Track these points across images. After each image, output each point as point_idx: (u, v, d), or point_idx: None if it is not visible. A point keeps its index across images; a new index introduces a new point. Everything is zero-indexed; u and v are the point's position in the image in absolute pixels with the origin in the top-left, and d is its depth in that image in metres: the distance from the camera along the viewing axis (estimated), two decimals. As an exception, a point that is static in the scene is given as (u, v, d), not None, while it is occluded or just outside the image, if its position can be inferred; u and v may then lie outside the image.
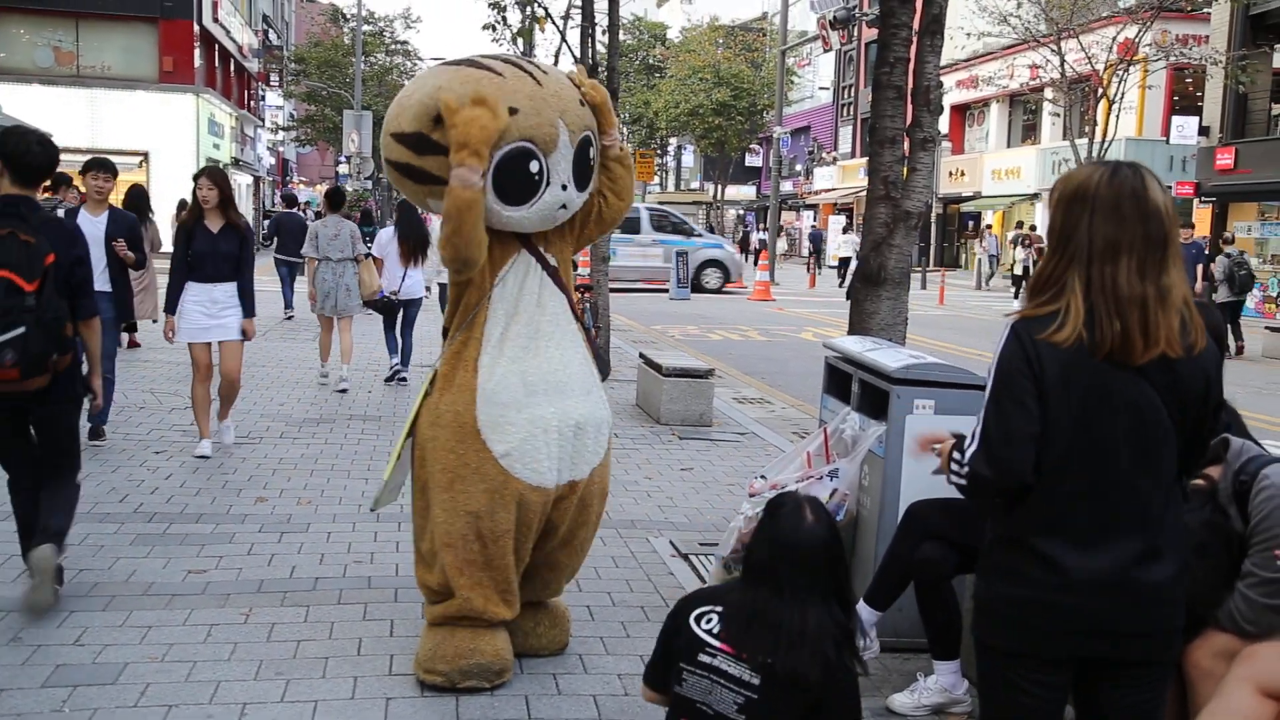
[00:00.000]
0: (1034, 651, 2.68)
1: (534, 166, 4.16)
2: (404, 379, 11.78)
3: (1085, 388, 2.59)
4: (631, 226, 27.65)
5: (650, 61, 53.54)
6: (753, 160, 55.26)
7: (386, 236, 11.83)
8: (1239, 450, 3.38)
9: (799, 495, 3.28)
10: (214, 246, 7.88)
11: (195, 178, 8.01)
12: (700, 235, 30.47)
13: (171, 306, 7.98)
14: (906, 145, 6.31)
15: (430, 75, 4.30)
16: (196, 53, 36.14)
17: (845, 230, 39.10)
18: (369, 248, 12.04)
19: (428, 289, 12.57)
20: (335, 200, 12.22)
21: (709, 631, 3.14)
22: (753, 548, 3.23)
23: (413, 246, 11.58)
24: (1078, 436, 2.60)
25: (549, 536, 4.46)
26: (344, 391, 11.12)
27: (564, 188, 4.26)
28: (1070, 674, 2.72)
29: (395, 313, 11.81)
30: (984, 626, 2.78)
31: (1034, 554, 2.65)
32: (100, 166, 8.42)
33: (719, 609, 3.17)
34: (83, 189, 8.75)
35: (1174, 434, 2.63)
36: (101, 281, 7.68)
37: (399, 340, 11.90)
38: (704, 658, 3.11)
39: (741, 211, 60.76)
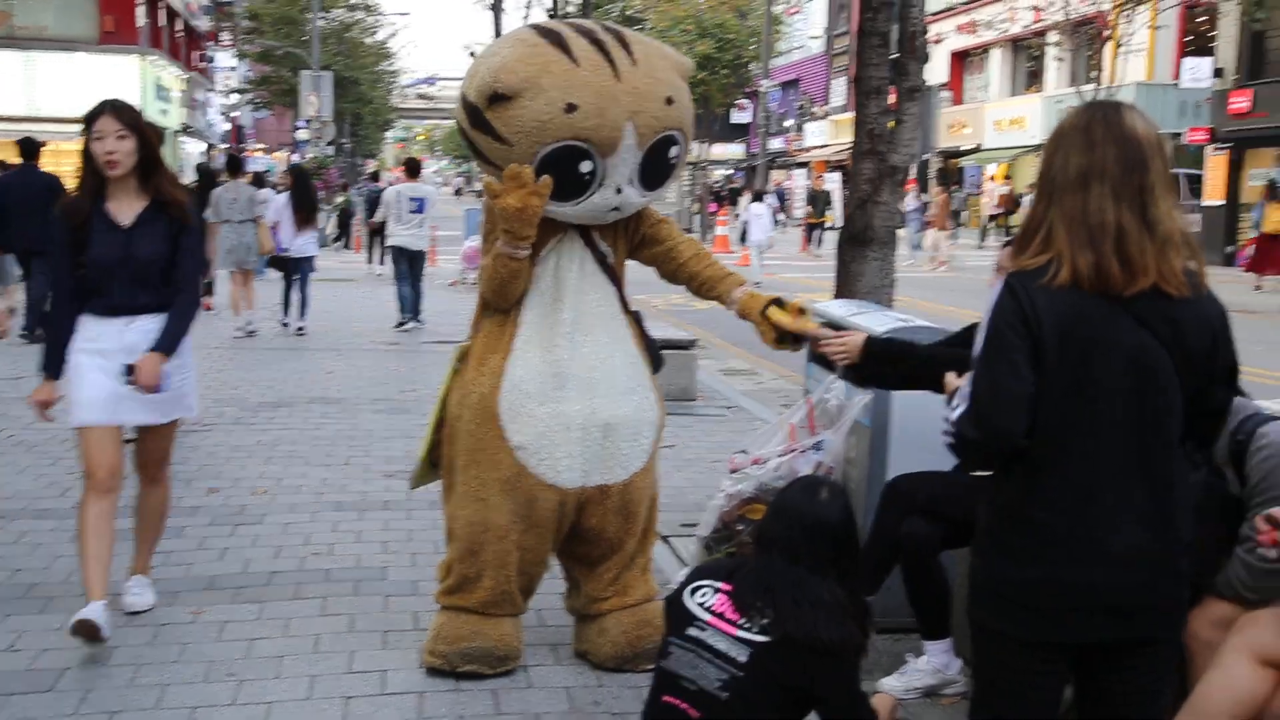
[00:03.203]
0: (1042, 637, 2.67)
1: (585, 166, 4.06)
2: (300, 329, 13.98)
3: (1085, 342, 2.57)
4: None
5: (628, 13, 53.30)
6: (740, 116, 54.99)
7: (281, 202, 14.07)
8: (1235, 408, 3.36)
9: (812, 475, 3.39)
10: (126, 249, 4.64)
11: (86, 122, 4.65)
12: None
13: (53, 364, 4.73)
14: (893, 96, 6.30)
15: (505, 44, 4.23)
16: (140, 11, 35.82)
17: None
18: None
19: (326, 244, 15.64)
20: (234, 166, 14.48)
21: (701, 604, 3.22)
22: (768, 523, 3.36)
23: (306, 213, 14.06)
24: (1075, 394, 2.58)
25: (595, 545, 4.44)
26: (253, 334, 13.40)
27: (618, 191, 4.15)
28: (1070, 654, 2.72)
29: (292, 269, 14.10)
30: (985, 610, 2.75)
31: (1032, 527, 2.63)
32: None
33: (717, 583, 3.24)
34: None
35: (1177, 391, 2.61)
36: None
37: (297, 295, 14.11)
38: (693, 631, 3.20)
39: (730, 171, 60.68)
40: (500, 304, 4.28)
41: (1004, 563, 2.69)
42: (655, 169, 4.23)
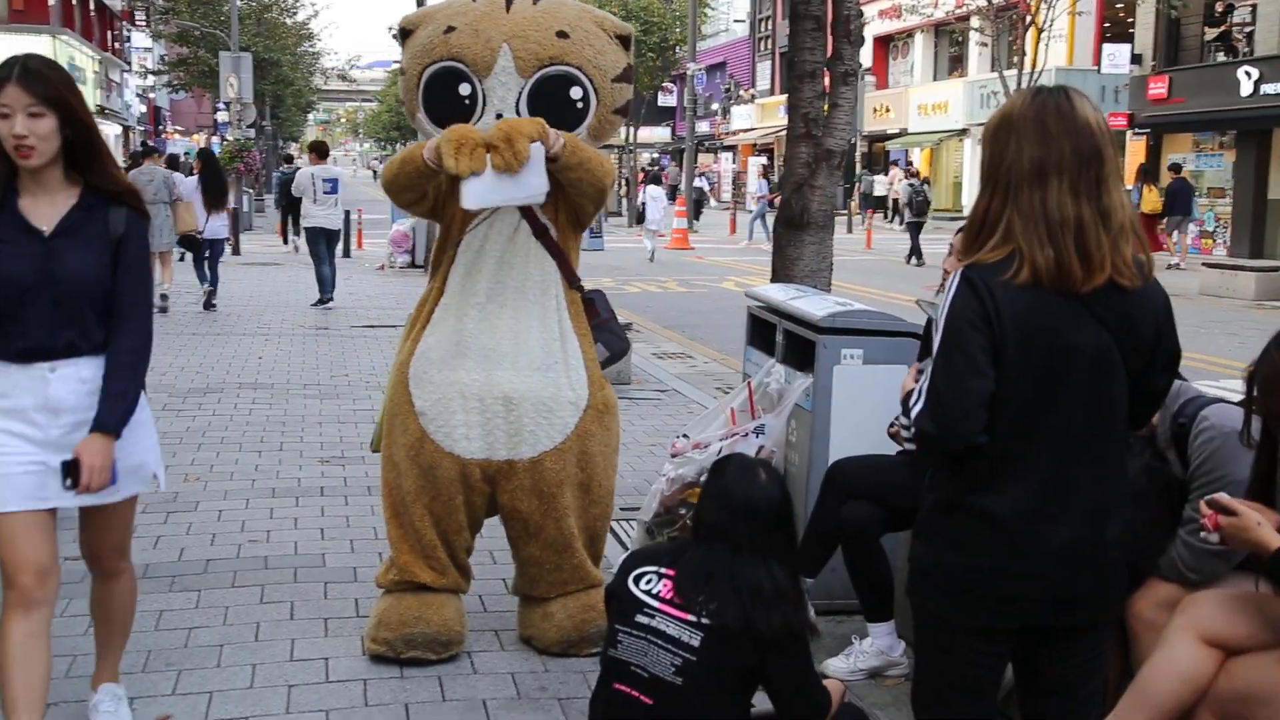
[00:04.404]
0: (981, 624, 2.69)
1: (464, 89, 4.17)
2: (213, 306, 14.67)
3: (1048, 343, 2.55)
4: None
5: (553, -7, 53.16)
6: (666, 100, 55.03)
7: (190, 185, 14.72)
8: (1176, 392, 3.43)
9: (746, 456, 3.36)
10: (47, 264, 3.37)
11: None
12: None
13: None
14: (827, 80, 6.34)
15: None
16: (52, -10, 35.06)
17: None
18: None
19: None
20: (146, 151, 15.68)
21: (648, 591, 3.21)
22: (705, 507, 3.32)
23: (215, 196, 14.62)
24: (1034, 390, 2.58)
25: (511, 524, 4.40)
26: (164, 309, 13.73)
27: (499, 116, 4.15)
28: (1013, 641, 2.75)
29: (201, 248, 14.84)
30: (925, 595, 2.77)
31: (981, 516, 2.63)
32: None
33: (660, 569, 3.23)
34: None
35: (1124, 381, 2.63)
36: None
37: (207, 273, 14.86)
38: (641, 618, 3.18)
39: (656, 155, 60.68)
40: (393, 193, 4.28)
41: (947, 550, 2.71)
42: (551, 108, 4.16)
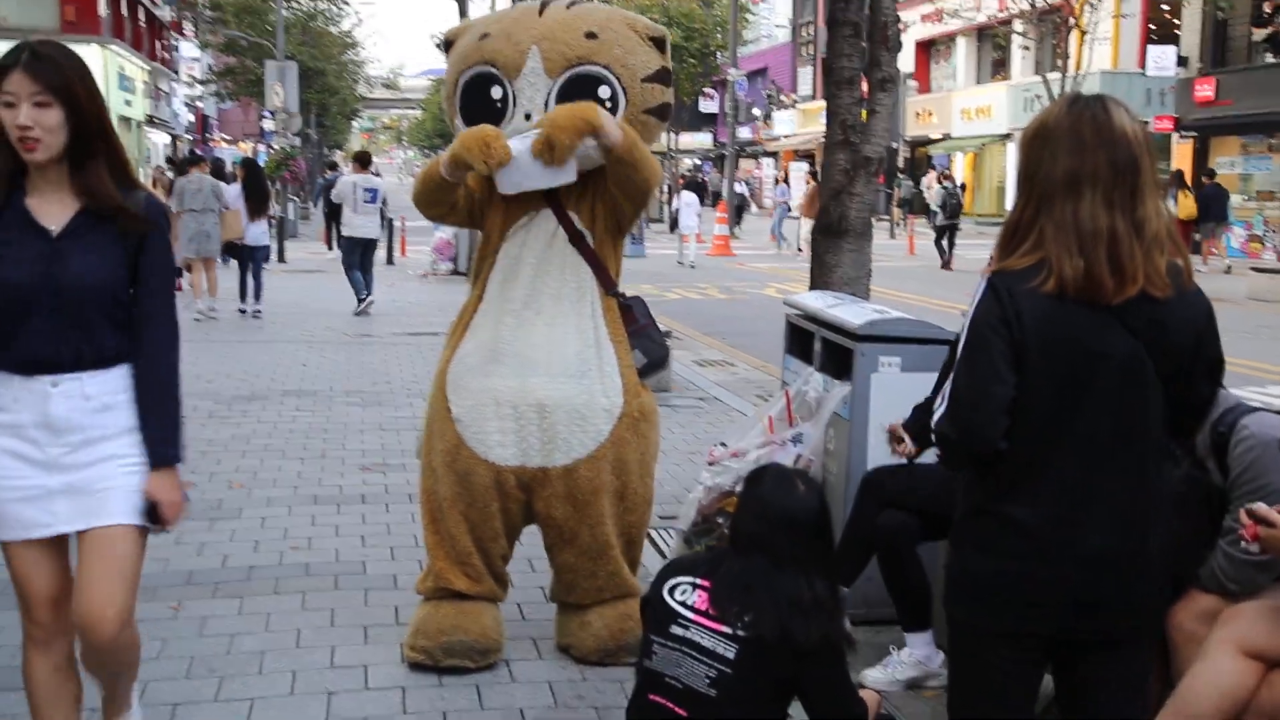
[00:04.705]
0: (1009, 629, 2.68)
1: (496, 93, 4.23)
2: (256, 312, 14.79)
3: (1067, 342, 2.55)
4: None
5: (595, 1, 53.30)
6: (707, 106, 54.97)
7: (234, 193, 14.98)
8: (1217, 401, 3.41)
9: (783, 466, 3.36)
10: (51, 268, 3.05)
11: None
12: None
13: None
14: (865, 87, 6.32)
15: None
16: (101, 0, 35.50)
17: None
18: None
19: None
20: (194, 160, 15.92)
21: (683, 603, 3.20)
22: (742, 518, 3.32)
23: (257, 204, 15.03)
24: (1059, 397, 2.57)
25: (547, 531, 4.41)
26: (214, 318, 14.03)
27: (528, 117, 4.20)
28: (1047, 650, 2.73)
29: (244, 255, 14.89)
30: (955, 601, 2.78)
31: (1007, 523, 2.63)
32: None
33: (696, 580, 3.22)
34: None
35: (1159, 390, 2.61)
36: None
37: (252, 281, 14.90)
38: (676, 629, 3.17)
39: (697, 160, 60.65)
40: (422, 209, 4.44)
41: (977, 556, 2.71)
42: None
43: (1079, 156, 2.55)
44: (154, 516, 3.15)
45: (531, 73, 4.19)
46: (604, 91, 4.21)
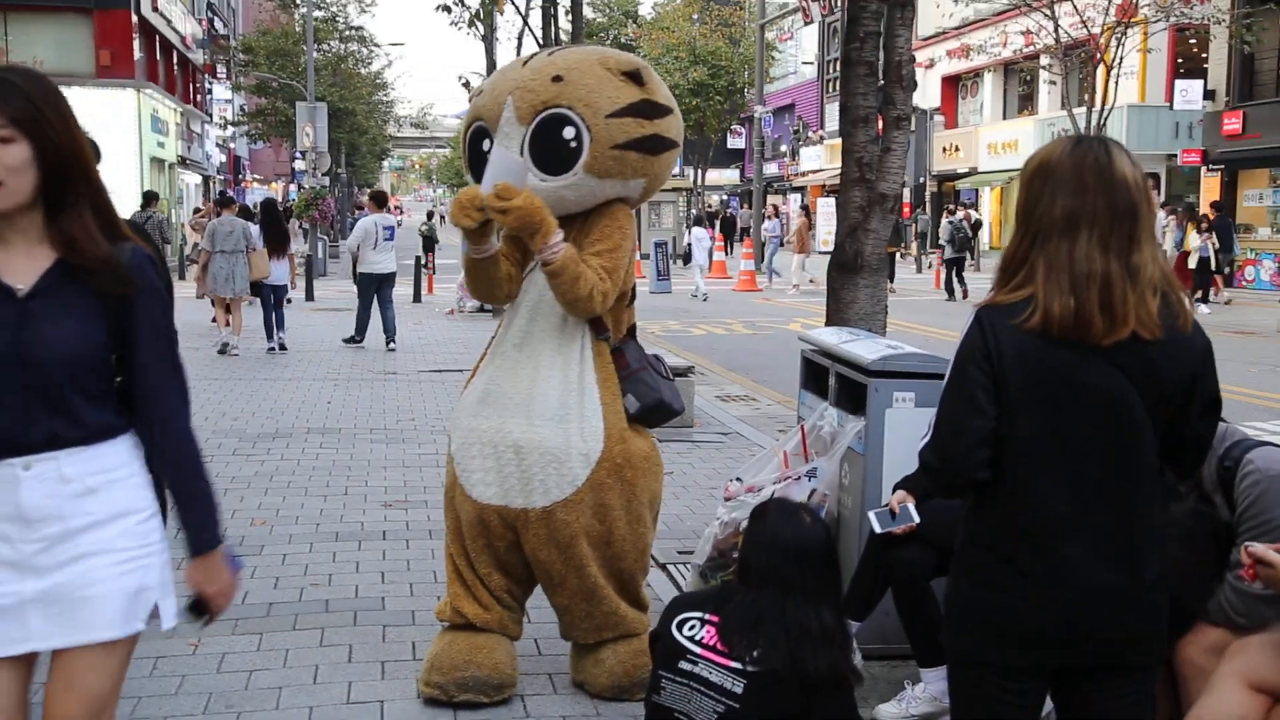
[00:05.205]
0: (1002, 660, 2.70)
1: (485, 145, 4.38)
2: (281, 345, 15.31)
3: (1051, 376, 2.58)
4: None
5: (622, 40, 53.57)
6: (734, 142, 55.31)
7: (255, 232, 15.43)
8: (1222, 435, 3.40)
9: (786, 500, 3.39)
10: (17, 335, 2.52)
11: None
12: None
13: None
14: (880, 125, 6.35)
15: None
16: (136, 44, 35.95)
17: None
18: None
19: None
20: (225, 202, 16.18)
21: (691, 638, 3.22)
22: (751, 552, 3.35)
23: (276, 243, 15.66)
24: (1045, 430, 2.60)
25: (537, 572, 4.43)
26: (236, 355, 14.57)
27: None
28: (1045, 681, 2.74)
29: (267, 294, 15.35)
30: (957, 634, 2.80)
31: (1001, 557, 2.66)
32: None
33: (704, 615, 3.24)
34: None
35: (1149, 426, 2.62)
36: None
37: (274, 321, 15.37)
38: (685, 665, 3.20)
39: (725, 196, 60.83)
40: (483, 298, 4.59)
41: (974, 589, 2.73)
42: (548, 150, 4.23)
43: (1079, 198, 2.59)
44: (201, 609, 2.80)
45: (507, 122, 4.30)
46: (568, 132, 4.23)
